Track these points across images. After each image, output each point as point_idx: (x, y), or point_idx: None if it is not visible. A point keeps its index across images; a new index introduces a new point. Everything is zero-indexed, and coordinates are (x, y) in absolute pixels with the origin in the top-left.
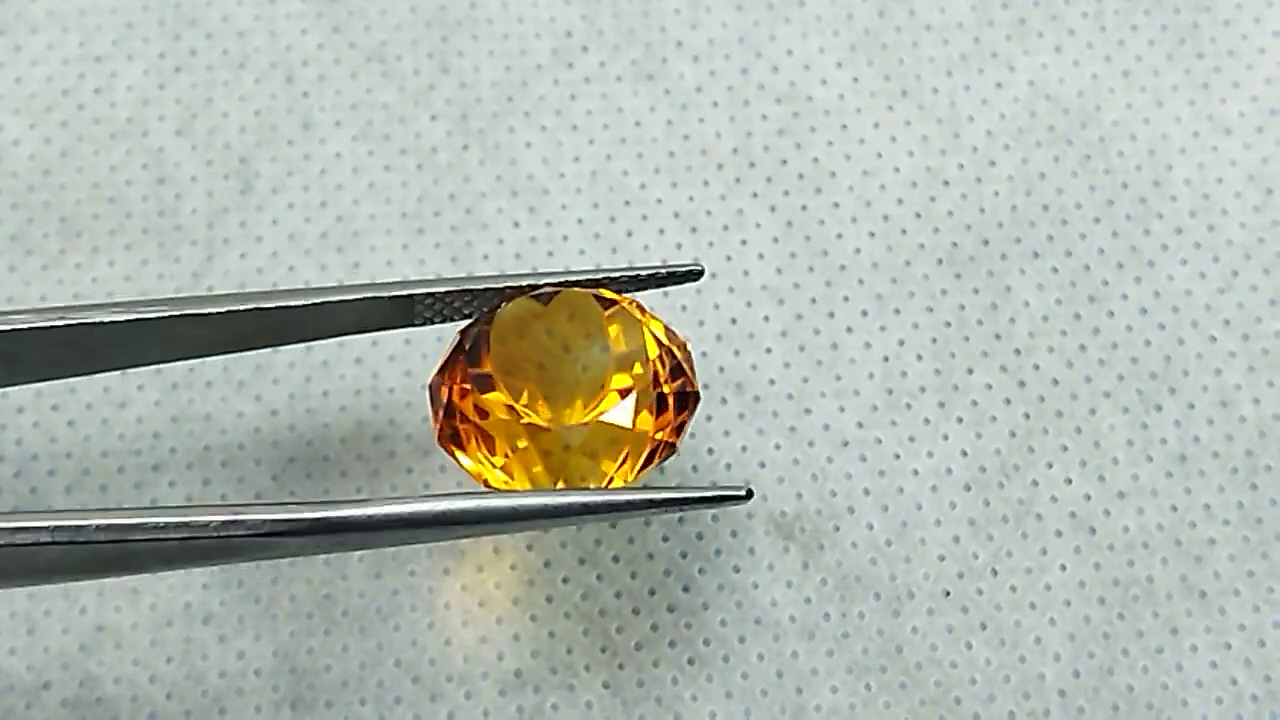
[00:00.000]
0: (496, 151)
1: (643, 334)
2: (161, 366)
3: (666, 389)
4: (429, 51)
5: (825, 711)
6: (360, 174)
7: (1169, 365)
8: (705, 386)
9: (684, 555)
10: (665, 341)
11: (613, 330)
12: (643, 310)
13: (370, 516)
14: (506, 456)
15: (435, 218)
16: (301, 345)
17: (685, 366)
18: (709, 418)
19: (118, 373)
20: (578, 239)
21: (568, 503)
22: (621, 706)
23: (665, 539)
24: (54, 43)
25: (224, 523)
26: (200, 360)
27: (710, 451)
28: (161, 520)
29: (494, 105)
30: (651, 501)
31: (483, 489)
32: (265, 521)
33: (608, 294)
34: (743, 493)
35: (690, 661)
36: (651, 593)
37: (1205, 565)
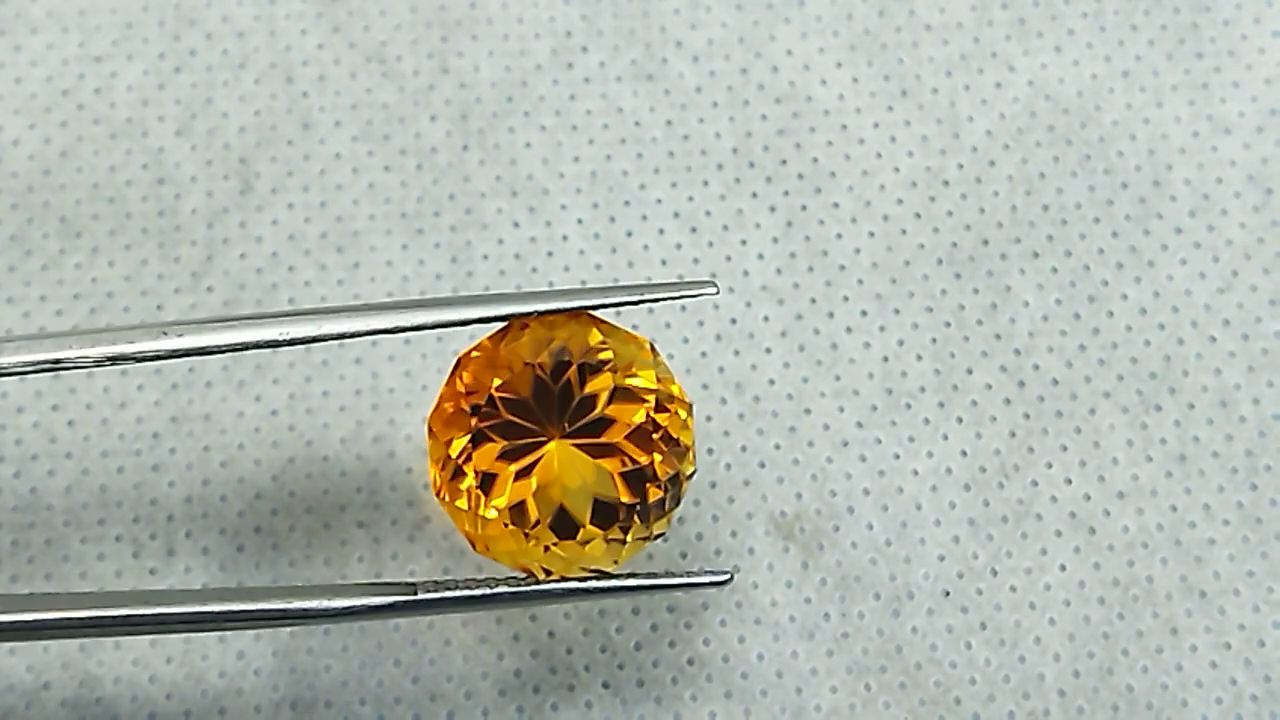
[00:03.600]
0: (496, 151)
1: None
2: (161, 366)
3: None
4: (429, 51)
5: (825, 711)
6: (360, 174)
7: (1169, 365)
8: (705, 387)
9: (684, 555)
10: (650, 410)
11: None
12: (632, 363)
13: (349, 607)
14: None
15: (435, 218)
16: (302, 345)
17: (675, 435)
18: (709, 418)
19: (118, 372)
20: (578, 239)
21: (545, 589)
22: (621, 706)
23: (665, 539)
24: (54, 43)
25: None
26: (200, 361)
27: (710, 452)
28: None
29: (494, 105)
30: (632, 588)
31: (457, 584)
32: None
33: (598, 341)
34: (725, 578)
35: (690, 661)
36: None
37: (1205, 565)
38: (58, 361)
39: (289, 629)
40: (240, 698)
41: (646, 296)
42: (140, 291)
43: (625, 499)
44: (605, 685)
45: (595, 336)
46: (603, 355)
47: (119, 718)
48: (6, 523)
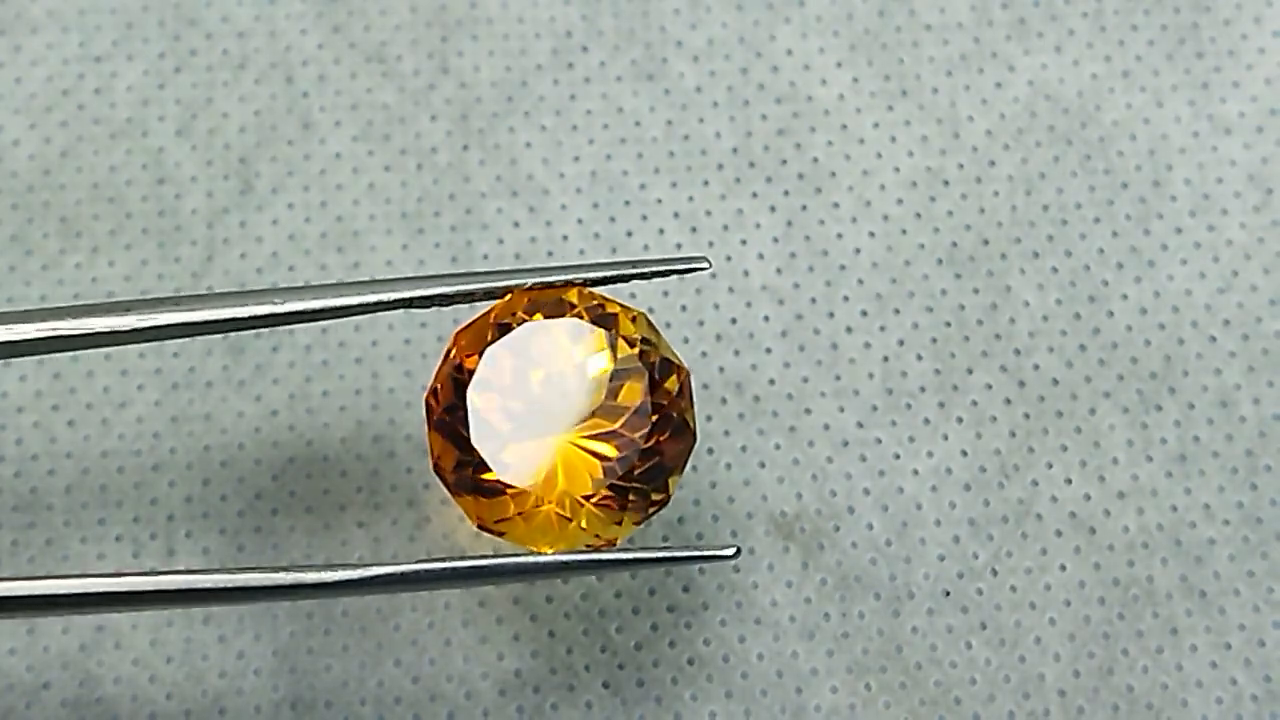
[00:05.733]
0: (496, 151)
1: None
2: (161, 367)
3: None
4: (429, 51)
5: (825, 711)
6: (360, 174)
7: (1169, 365)
8: (705, 387)
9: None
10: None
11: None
12: (630, 334)
13: (348, 579)
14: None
15: (435, 218)
16: (302, 345)
17: (673, 410)
18: (709, 418)
19: (118, 372)
20: (578, 239)
21: (549, 562)
22: (621, 706)
23: (665, 539)
24: (54, 43)
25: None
26: (200, 361)
27: (710, 451)
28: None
29: (494, 105)
30: (637, 560)
31: (459, 557)
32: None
33: (586, 307)
34: (731, 552)
35: (690, 661)
36: (651, 593)
37: (1205, 565)
38: (54, 332)
39: (289, 629)
40: (240, 698)
41: (640, 271)
42: (140, 291)
43: (625, 478)
44: (605, 685)
45: (592, 310)
46: (599, 329)
47: (119, 718)
48: (6, 523)
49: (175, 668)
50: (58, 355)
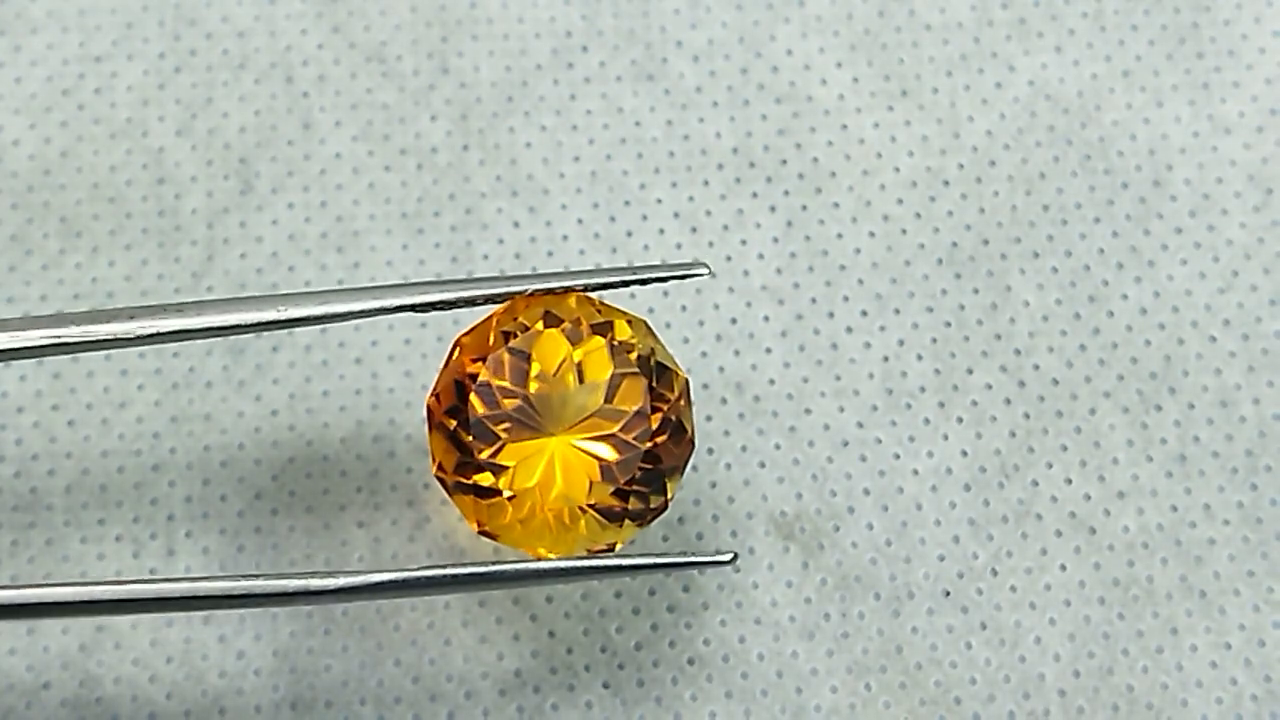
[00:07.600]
0: (496, 151)
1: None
2: (161, 366)
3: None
4: (429, 51)
5: (825, 711)
6: (360, 174)
7: (1169, 365)
8: (705, 387)
9: (684, 555)
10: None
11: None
12: (629, 338)
13: (351, 585)
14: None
15: (435, 218)
16: (302, 345)
17: (673, 415)
18: (709, 418)
19: (118, 372)
20: (578, 239)
21: (549, 568)
22: (621, 706)
23: (665, 539)
24: (54, 43)
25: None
26: (200, 361)
27: (710, 451)
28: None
29: (494, 105)
30: (635, 566)
31: (454, 564)
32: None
33: (590, 316)
34: (729, 558)
35: (690, 661)
36: (651, 593)
37: (1205, 565)
38: (58, 339)
39: (289, 629)
40: (240, 698)
41: (640, 277)
42: (140, 291)
43: (624, 483)
44: (605, 685)
45: (592, 316)
46: (599, 335)
47: (119, 718)
48: (6, 523)
49: (175, 668)
50: (58, 356)
